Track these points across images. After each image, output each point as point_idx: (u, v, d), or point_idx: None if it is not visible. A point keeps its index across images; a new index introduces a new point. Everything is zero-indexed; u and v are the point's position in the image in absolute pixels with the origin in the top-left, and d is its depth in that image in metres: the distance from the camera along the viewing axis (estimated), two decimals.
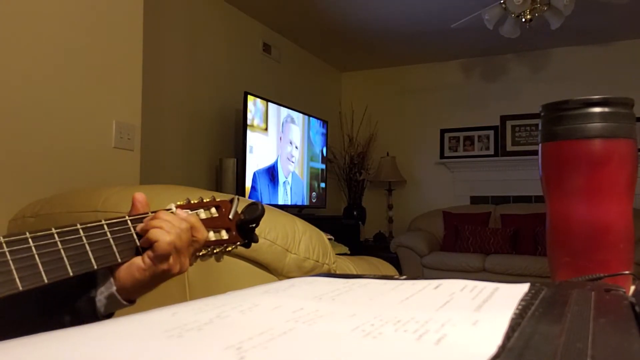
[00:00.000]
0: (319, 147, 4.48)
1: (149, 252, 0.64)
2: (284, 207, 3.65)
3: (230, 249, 0.76)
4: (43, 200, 1.57)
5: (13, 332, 0.29)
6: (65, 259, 0.55)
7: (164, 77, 3.20)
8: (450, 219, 4.59)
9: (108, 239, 0.61)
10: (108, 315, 0.66)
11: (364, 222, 5.08)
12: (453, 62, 5.15)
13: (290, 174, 3.98)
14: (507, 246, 4.18)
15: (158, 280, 0.66)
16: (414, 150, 5.30)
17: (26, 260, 0.51)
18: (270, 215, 1.14)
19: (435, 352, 0.23)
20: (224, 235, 0.75)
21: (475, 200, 5.03)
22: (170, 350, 0.24)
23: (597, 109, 0.69)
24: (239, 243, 0.77)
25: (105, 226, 0.61)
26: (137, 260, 0.64)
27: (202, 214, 0.74)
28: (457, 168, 5.10)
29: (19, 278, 0.50)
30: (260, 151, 3.57)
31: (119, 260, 0.62)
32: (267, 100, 3.69)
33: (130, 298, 0.66)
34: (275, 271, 1.14)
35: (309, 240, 1.18)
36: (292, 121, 3.98)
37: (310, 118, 4.31)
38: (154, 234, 0.63)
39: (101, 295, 0.64)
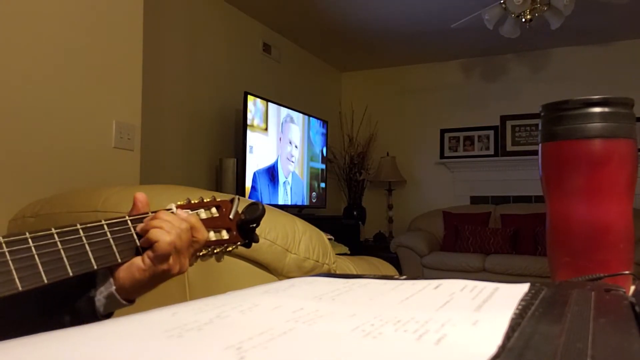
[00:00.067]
0: (319, 147, 4.48)
1: (149, 252, 0.64)
2: (284, 207, 3.65)
3: (230, 249, 0.76)
4: (43, 200, 1.57)
5: (13, 332, 0.29)
6: (65, 259, 0.55)
7: (164, 77, 3.20)
8: (450, 219, 4.59)
9: (108, 239, 0.61)
10: (107, 315, 0.66)
11: (364, 222, 5.08)
12: (453, 62, 5.15)
13: (290, 174, 3.98)
14: (507, 246, 4.18)
15: (158, 280, 0.66)
16: (414, 150, 5.30)
17: (26, 261, 0.51)
18: (270, 215, 1.14)
19: (435, 352, 0.23)
20: (225, 235, 0.75)
21: (475, 200, 5.03)
22: (170, 350, 0.24)
23: (597, 109, 0.69)
24: (239, 243, 0.76)
25: (105, 226, 0.61)
26: (137, 260, 0.64)
27: (203, 214, 0.74)
28: (457, 168, 5.10)
29: (19, 278, 0.50)
30: (260, 151, 3.56)
31: (119, 260, 0.62)
32: (267, 100, 3.69)
33: (130, 298, 0.66)
34: (275, 271, 1.14)
35: (309, 240, 1.18)
36: (292, 120, 3.98)
37: (310, 118, 4.31)
38: (154, 234, 0.63)
39: (100, 295, 0.64)
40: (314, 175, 4.37)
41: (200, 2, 3.54)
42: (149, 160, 2.89)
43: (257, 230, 0.79)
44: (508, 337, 0.26)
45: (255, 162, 3.50)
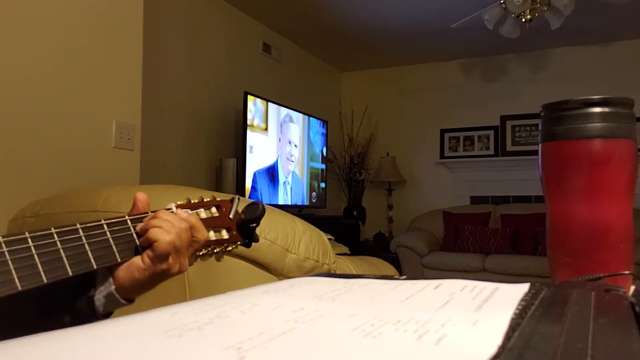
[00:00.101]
0: (319, 147, 4.48)
1: (149, 252, 0.64)
2: (284, 207, 3.65)
3: (230, 248, 0.76)
4: (43, 200, 1.57)
5: (13, 332, 0.29)
6: (64, 258, 0.54)
7: (164, 77, 3.20)
8: (450, 219, 4.59)
9: (108, 239, 0.61)
10: (107, 314, 0.66)
11: (364, 222, 5.08)
12: (453, 62, 5.15)
13: (290, 174, 3.98)
14: (507, 246, 4.18)
15: (157, 279, 0.66)
16: (414, 150, 5.30)
17: (25, 260, 0.51)
18: (270, 215, 1.14)
19: (435, 352, 0.23)
20: (225, 234, 0.75)
21: (475, 200, 5.03)
22: (170, 350, 0.24)
23: (597, 109, 0.69)
24: (239, 243, 0.76)
25: (105, 226, 0.61)
26: (137, 259, 0.64)
27: (203, 213, 0.74)
28: (457, 168, 5.10)
29: (18, 278, 0.50)
30: (260, 151, 3.56)
31: (119, 260, 0.62)
32: (267, 100, 3.69)
33: (129, 297, 0.66)
34: (275, 271, 1.14)
35: (309, 240, 1.18)
36: (291, 120, 3.98)
37: (310, 118, 4.31)
38: (154, 233, 0.63)
39: (100, 295, 0.64)
40: (314, 175, 4.37)
41: (200, 2, 3.54)
42: (149, 160, 2.89)
43: (257, 230, 0.79)
44: (508, 337, 0.26)
45: (255, 162, 3.50)
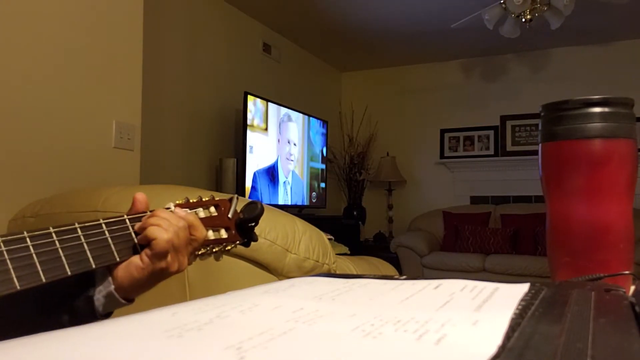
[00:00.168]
0: (319, 147, 4.48)
1: (147, 251, 0.64)
2: (284, 207, 3.65)
3: (229, 248, 0.76)
4: (43, 200, 1.57)
5: (12, 332, 0.29)
6: (63, 258, 0.54)
7: (164, 77, 3.20)
8: (450, 219, 4.59)
9: (106, 238, 0.61)
10: (106, 314, 0.66)
11: (364, 222, 5.08)
12: (453, 62, 5.15)
13: (290, 173, 3.98)
14: (507, 246, 4.18)
15: (156, 279, 0.66)
16: (414, 150, 5.30)
17: (24, 260, 0.51)
18: (270, 215, 1.14)
19: (435, 352, 0.23)
20: (223, 234, 0.75)
21: (475, 200, 5.03)
22: (170, 350, 0.24)
23: (597, 109, 0.69)
24: (238, 242, 0.76)
25: (104, 225, 0.61)
26: (135, 259, 0.64)
27: (201, 213, 0.74)
28: (457, 168, 5.10)
29: (17, 277, 0.50)
30: (260, 151, 3.56)
31: (118, 259, 0.62)
32: (267, 100, 3.69)
33: (129, 297, 0.66)
34: (275, 271, 1.14)
35: (309, 240, 1.18)
36: (289, 119, 3.98)
37: (310, 118, 4.31)
38: (152, 231, 0.63)
39: (99, 294, 0.64)
40: (314, 175, 4.37)
41: (200, 2, 3.54)
42: (149, 160, 2.89)
43: (257, 230, 0.79)
44: (508, 337, 0.26)
45: (255, 162, 3.50)
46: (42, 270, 0.52)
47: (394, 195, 5.23)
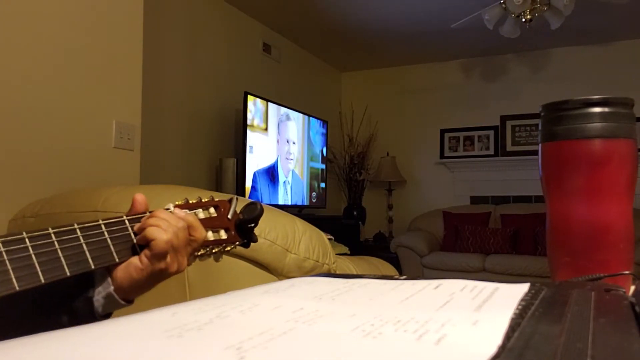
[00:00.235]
0: (319, 147, 4.48)
1: (146, 251, 0.64)
2: (284, 207, 3.65)
3: (229, 248, 0.76)
4: (43, 200, 1.57)
5: (12, 332, 0.29)
6: (62, 258, 0.54)
7: (164, 77, 3.20)
8: (450, 219, 4.59)
9: (105, 239, 0.60)
10: (106, 315, 0.66)
11: (364, 222, 5.08)
12: (453, 62, 5.15)
13: (290, 173, 3.98)
14: (507, 246, 4.18)
15: (156, 279, 0.66)
16: (414, 150, 5.30)
17: (23, 260, 0.51)
18: (270, 215, 1.14)
19: (435, 352, 0.23)
20: (223, 235, 0.75)
21: (475, 200, 5.03)
22: (170, 350, 0.24)
23: (597, 109, 0.69)
24: (237, 243, 0.76)
25: (103, 226, 0.61)
26: (135, 259, 0.64)
27: (201, 214, 0.74)
28: (457, 168, 5.10)
29: (16, 278, 0.50)
30: (260, 151, 3.57)
31: (117, 259, 0.61)
32: (267, 100, 3.69)
33: (128, 298, 0.66)
34: (275, 271, 1.13)
35: (309, 240, 1.18)
36: (287, 118, 3.97)
37: (310, 118, 4.31)
38: (151, 232, 0.63)
39: (99, 295, 0.64)
40: (314, 175, 4.37)
41: (200, 2, 3.54)
42: (149, 160, 2.89)
43: (257, 230, 0.79)
44: (508, 337, 0.26)
45: (255, 162, 3.50)
46: (41, 271, 0.52)
47: (394, 195, 5.23)
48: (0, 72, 1.68)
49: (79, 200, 1.41)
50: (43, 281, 0.52)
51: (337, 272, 1.27)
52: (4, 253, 0.50)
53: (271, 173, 3.71)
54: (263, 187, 3.59)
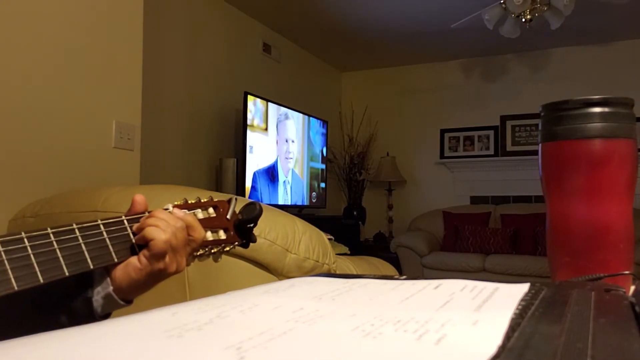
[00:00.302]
0: (319, 147, 4.48)
1: (145, 251, 0.64)
2: (284, 207, 3.65)
3: (228, 249, 0.76)
4: (43, 200, 1.57)
5: (11, 333, 0.29)
6: (61, 258, 0.54)
7: (164, 77, 3.20)
8: (450, 219, 4.59)
9: (104, 239, 0.60)
10: (105, 315, 0.66)
11: (364, 222, 5.08)
12: (453, 62, 5.15)
13: (290, 172, 3.98)
14: (507, 246, 4.18)
15: (155, 279, 0.66)
16: (414, 150, 5.30)
17: (22, 260, 0.51)
18: (270, 215, 1.14)
19: (435, 352, 0.23)
20: (222, 235, 0.75)
21: (475, 200, 5.03)
22: (170, 350, 0.24)
23: (597, 109, 0.69)
24: (237, 243, 0.76)
25: (102, 226, 0.61)
26: (134, 259, 0.64)
27: (200, 214, 0.74)
28: (457, 168, 5.10)
29: (15, 278, 0.50)
30: (260, 151, 3.57)
31: (116, 260, 0.61)
32: (267, 100, 3.69)
33: (127, 298, 0.66)
34: (275, 271, 1.13)
35: (309, 240, 1.18)
36: (286, 117, 3.97)
37: (310, 118, 4.31)
38: (150, 232, 0.63)
39: (98, 296, 0.64)
40: (314, 175, 4.37)
41: (200, 2, 3.54)
42: (149, 160, 2.89)
43: (257, 230, 0.79)
44: (508, 337, 0.26)
45: (255, 162, 3.50)
46: (40, 271, 0.52)
47: (394, 195, 5.23)
48: (0, 72, 1.68)
49: (78, 200, 1.41)
50: (42, 281, 0.52)
51: (337, 272, 1.27)
52: (2, 253, 0.50)
53: (271, 173, 3.71)
54: (263, 187, 3.59)
